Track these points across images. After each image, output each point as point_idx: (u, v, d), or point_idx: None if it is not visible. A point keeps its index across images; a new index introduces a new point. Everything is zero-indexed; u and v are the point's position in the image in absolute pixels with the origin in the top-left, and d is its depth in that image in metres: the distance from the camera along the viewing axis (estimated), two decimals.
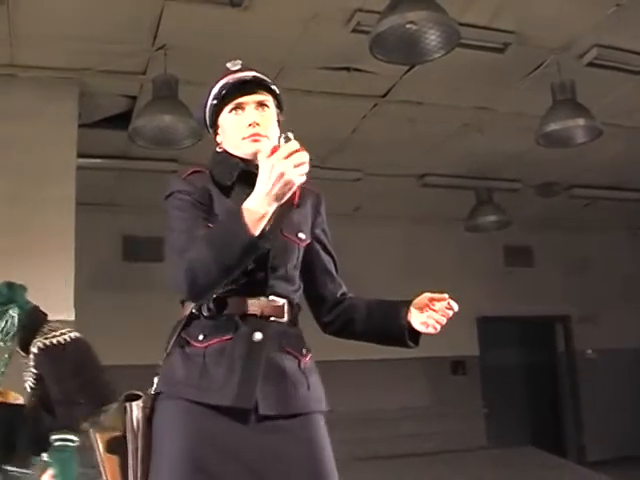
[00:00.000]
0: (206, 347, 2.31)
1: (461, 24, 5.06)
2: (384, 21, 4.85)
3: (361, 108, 7.20)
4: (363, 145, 7.94)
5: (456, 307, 2.41)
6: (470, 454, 9.47)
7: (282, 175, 2.10)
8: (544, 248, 11.80)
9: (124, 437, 2.31)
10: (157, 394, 2.34)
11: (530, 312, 11.32)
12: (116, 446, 2.31)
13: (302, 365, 2.42)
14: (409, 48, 5.14)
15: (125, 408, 2.32)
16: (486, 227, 9.68)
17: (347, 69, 6.35)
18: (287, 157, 2.11)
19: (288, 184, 2.12)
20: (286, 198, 2.17)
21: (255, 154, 2.36)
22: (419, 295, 2.51)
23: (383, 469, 8.08)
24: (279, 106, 2.57)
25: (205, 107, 2.55)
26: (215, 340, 2.31)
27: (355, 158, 8.36)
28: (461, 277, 10.66)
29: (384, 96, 6.91)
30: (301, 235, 2.51)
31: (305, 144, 2.14)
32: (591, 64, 6.22)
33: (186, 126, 6.03)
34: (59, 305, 5.80)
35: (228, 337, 2.31)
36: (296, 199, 2.49)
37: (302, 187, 2.47)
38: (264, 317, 2.36)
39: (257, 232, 2.14)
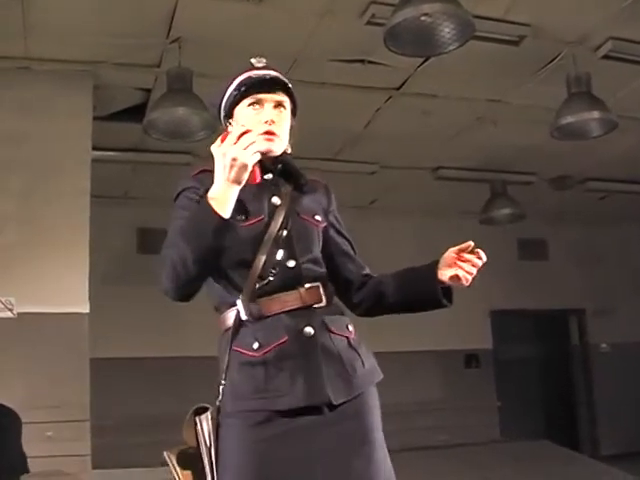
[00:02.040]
0: (264, 355, 2.32)
1: (476, 16, 5.04)
2: (399, 13, 4.84)
3: (375, 101, 7.18)
4: (378, 138, 7.93)
5: (484, 257, 2.44)
6: (483, 447, 9.45)
7: (235, 159, 2.19)
8: (558, 241, 11.77)
9: (197, 451, 2.32)
10: (222, 409, 2.34)
11: (544, 305, 11.30)
12: (189, 461, 2.33)
13: (351, 341, 2.46)
14: (424, 40, 5.13)
15: (195, 422, 2.33)
16: (500, 220, 9.66)
17: (362, 61, 6.33)
18: (236, 142, 2.19)
19: (243, 166, 2.20)
20: (245, 179, 2.24)
21: (267, 151, 2.43)
22: None
23: (396, 462, 8.06)
24: (294, 111, 2.60)
25: (223, 95, 2.57)
26: (271, 346, 2.32)
27: (370, 151, 8.35)
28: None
29: (399, 89, 6.90)
30: (317, 217, 2.56)
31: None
32: (606, 57, 6.19)
33: (200, 119, 6.03)
34: (74, 298, 5.84)
35: (282, 341, 2.33)
36: (305, 187, 2.57)
37: (309, 178, 2.57)
38: (306, 307, 2.40)
39: (225, 214, 2.22)
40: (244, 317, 2.37)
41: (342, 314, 2.53)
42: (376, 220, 10.14)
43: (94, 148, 6.36)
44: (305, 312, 2.39)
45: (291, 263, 2.41)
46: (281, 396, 2.27)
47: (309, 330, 2.36)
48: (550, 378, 11.80)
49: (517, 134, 7.92)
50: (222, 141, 2.24)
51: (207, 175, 2.44)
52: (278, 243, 2.40)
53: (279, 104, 2.51)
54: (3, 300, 5.66)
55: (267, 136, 2.46)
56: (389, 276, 2.66)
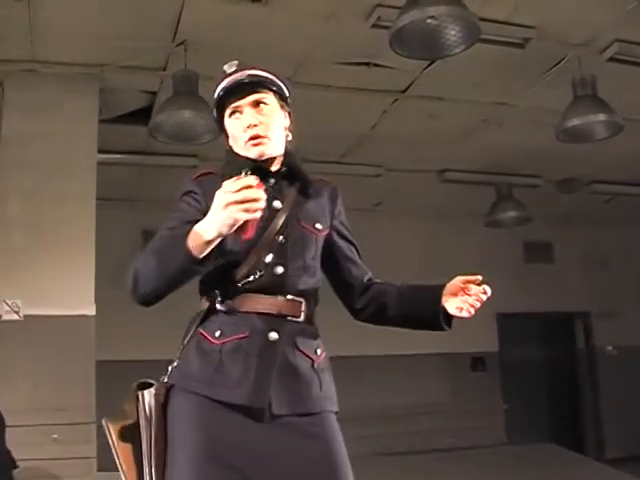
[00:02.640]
0: (223, 344, 2.33)
1: (481, 19, 5.04)
2: (404, 16, 4.84)
3: (381, 103, 7.18)
4: (383, 140, 7.93)
5: (489, 291, 2.42)
6: (489, 450, 9.45)
7: (226, 209, 2.07)
8: (564, 244, 11.75)
9: (137, 425, 2.33)
10: (172, 385, 2.37)
11: (550, 308, 11.28)
12: (129, 434, 2.34)
13: (315, 365, 2.43)
14: (429, 43, 5.13)
15: (138, 396, 2.35)
16: (506, 223, 9.65)
17: (367, 64, 6.33)
18: (237, 191, 2.08)
19: (232, 219, 2.09)
20: (232, 231, 2.12)
21: (260, 156, 2.43)
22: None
23: (402, 465, 8.08)
24: (282, 98, 2.56)
25: (213, 113, 2.59)
26: (231, 337, 2.33)
27: (375, 153, 8.35)
28: (481, 273, 10.60)
29: (404, 91, 6.90)
30: (318, 225, 2.53)
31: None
32: (612, 59, 6.17)
33: (206, 122, 6.03)
34: (80, 301, 5.86)
35: (244, 335, 2.33)
36: (310, 190, 2.54)
37: (317, 179, 2.54)
38: (281, 316, 2.38)
39: (197, 254, 2.15)
40: (212, 307, 2.38)
41: (316, 337, 2.49)
42: (381, 222, 10.14)
43: (100, 151, 6.37)
44: (277, 320, 2.37)
45: (279, 270, 2.39)
46: (226, 388, 2.28)
47: (274, 335, 2.35)
48: (556, 381, 11.78)
49: (523, 137, 7.91)
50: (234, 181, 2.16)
51: (209, 178, 2.45)
52: (271, 248, 2.39)
53: (257, 103, 2.48)
54: (9, 303, 5.67)
55: (254, 141, 2.45)
56: (393, 289, 2.64)
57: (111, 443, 2.36)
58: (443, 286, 2.51)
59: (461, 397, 10.55)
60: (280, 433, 2.29)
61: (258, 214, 2.11)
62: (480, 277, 2.46)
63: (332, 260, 2.61)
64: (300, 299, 2.43)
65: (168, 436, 2.30)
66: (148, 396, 2.33)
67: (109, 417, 2.40)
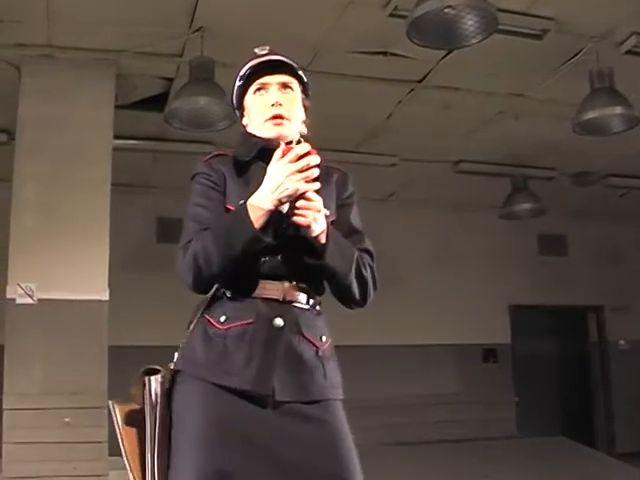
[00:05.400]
0: (227, 330, 2.34)
1: (499, 10, 5.02)
2: (422, 5, 4.82)
3: (397, 93, 7.16)
4: (398, 130, 7.92)
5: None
6: (500, 443, 9.45)
7: (286, 181, 2.18)
8: (578, 237, 11.72)
9: (142, 410, 2.36)
10: (177, 371, 2.39)
11: (563, 301, 11.27)
12: (134, 419, 2.37)
13: (319, 353, 2.43)
14: (446, 33, 5.12)
15: (144, 382, 2.37)
16: (521, 215, 9.64)
17: (384, 53, 6.32)
18: (294, 161, 2.17)
19: (292, 190, 2.20)
20: (290, 200, 2.23)
21: (277, 137, 2.43)
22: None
23: (412, 455, 8.09)
24: (305, 91, 2.58)
25: (232, 89, 2.59)
26: (236, 323, 2.34)
27: (390, 143, 8.34)
28: (494, 265, 10.64)
29: (420, 81, 6.88)
30: (325, 211, 2.48)
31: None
32: (630, 52, 6.14)
33: (221, 108, 6.04)
34: (94, 285, 5.88)
35: (249, 321, 2.34)
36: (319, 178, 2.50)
37: (327, 166, 2.50)
38: (286, 302, 2.38)
39: (259, 226, 2.22)
40: (218, 292, 2.40)
41: (322, 323, 2.49)
42: (395, 213, 10.14)
43: (115, 137, 6.39)
44: (282, 306, 2.37)
45: (284, 255, 2.38)
46: (230, 373, 2.28)
47: (279, 322, 2.34)
48: (568, 374, 11.76)
49: (539, 129, 7.89)
50: (283, 155, 2.24)
51: (219, 159, 2.49)
52: (276, 233, 2.37)
53: (284, 85, 2.50)
54: (23, 286, 5.70)
55: (275, 121, 2.46)
56: None
57: (116, 426, 2.39)
58: None
59: (472, 389, 10.55)
60: (283, 420, 2.29)
61: (317, 185, 2.22)
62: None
63: None
64: (305, 285, 2.42)
65: (173, 421, 2.33)
66: (154, 382, 2.36)
67: (116, 400, 2.41)
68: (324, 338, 2.46)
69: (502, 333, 11.11)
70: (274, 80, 2.49)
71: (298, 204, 2.27)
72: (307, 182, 2.22)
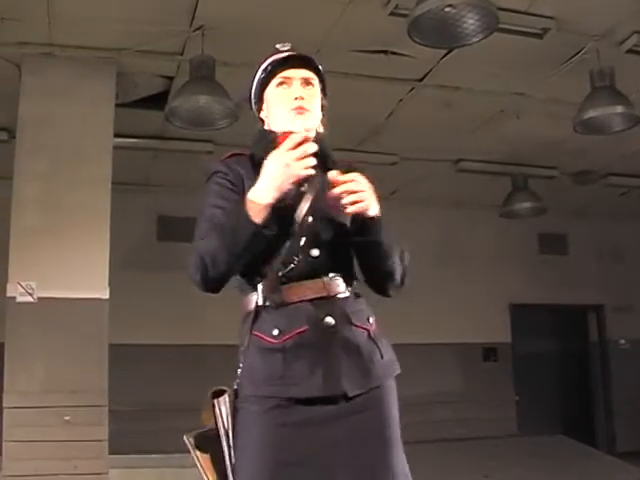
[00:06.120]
0: (283, 342, 2.31)
1: (500, 9, 5.02)
2: (423, 4, 4.83)
3: (398, 92, 7.17)
4: (399, 129, 7.92)
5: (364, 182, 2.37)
6: (500, 441, 9.45)
7: (286, 168, 2.18)
8: (579, 236, 11.72)
9: (216, 434, 2.32)
10: (239, 392, 2.34)
11: (563, 300, 11.27)
12: (207, 443, 2.33)
13: (371, 334, 2.43)
14: (447, 32, 5.12)
15: (213, 405, 2.34)
16: (521, 214, 9.64)
17: (385, 52, 6.32)
18: (293, 149, 2.17)
19: (292, 177, 2.19)
20: (289, 190, 2.22)
21: (301, 127, 2.40)
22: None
23: (413, 454, 8.07)
24: (323, 90, 2.61)
25: (252, 82, 2.59)
26: (291, 334, 2.32)
27: (391, 142, 8.34)
28: (495, 263, 10.64)
29: (421, 80, 6.88)
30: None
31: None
32: (630, 51, 6.14)
33: (222, 107, 6.04)
34: (94, 284, 5.88)
35: (303, 329, 2.32)
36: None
37: (341, 160, 2.53)
38: (329, 297, 2.38)
39: (260, 221, 2.21)
40: (260, 302, 2.37)
41: (365, 306, 2.50)
42: (396, 211, 9.97)
43: (116, 135, 6.39)
44: (327, 302, 2.37)
45: (315, 252, 2.39)
46: (297, 384, 2.26)
47: (330, 320, 2.34)
48: (568, 373, 11.76)
49: (540, 128, 7.89)
50: (281, 142, 2.24)
51: (237, 159, 2.49)
52: (303, 231, 2.37)
53: (307, 81, 2.52)
54: (24, 284, 5.70)
55: (298, 111, 2.47)
56: None
57: (194, 455, 2.35)
58: None
59: (472, 388, 10.55)
60: (355, 417, 2.30)
61: (312, 171, 2.22)
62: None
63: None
64: (340, 274, 2.43)
65: (237, 445, 2.30)
66: (223, 405, 2.33)
67: (187, 433, 2.38)
68: (371, 319, 2.47)
69: (502, 332, 11.11)
70: (297, 75, 2.50)
71: (345, 194, 2.28)
72: (306, 169, 2.21)
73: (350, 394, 2.29)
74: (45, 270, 5.77)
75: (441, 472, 7.57)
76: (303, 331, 2.32)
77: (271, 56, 2.53)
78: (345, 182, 2.30)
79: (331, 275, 2.40)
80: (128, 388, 7.40)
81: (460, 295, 10.27)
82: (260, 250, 2.28)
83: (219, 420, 2.32)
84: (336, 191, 2.29)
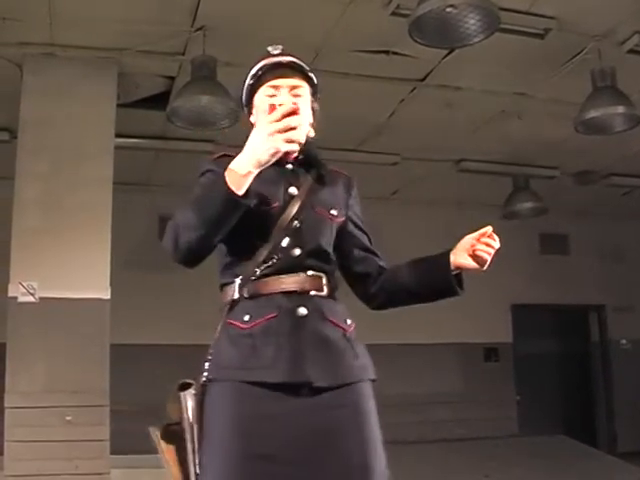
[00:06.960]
0: (252, 327, 2.33)
1: (501, 9, 5.02)
2: (424, 4, 4.83)
3: (399, 92, 7.17)
4: (401, 129, 7.92)
5: (498, 242, 2.54)
6: (501, 442, 9.45)
7: (268, 139, 2.16)
8: (580, 236, 11.71)
9: (180, 426, 2.34)
10: (208, 379, 2.36)
11: (564, 300, 11.27)
12: (172, 435, 2.35)
13: (347, 334, 2.44)
14: (448, 32, 5.12)
15: (179, 398, 2.36)
16: (522, 214, 9.63)
17: (386, 52, 6.32)
18: (277, 120, 2.16)
19: (274, 148, 2.17)
20: (270, 163, 2.20)
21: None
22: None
23: (413, 454, 8.09)
24: (314, 94, 2.60)
25: (243, 86, 2.59)
26: (260, 319, 2.33)
27: (392, 142, 8.33)
28: (496, 264, 10.57)
29: (423, 80, 6.88)
30: (333, 211, 2.54)
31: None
32: (632, 51, 6.14)
33: (224, 107, 6.05)
34: (96, 284, 5.88)
35: (273, 315, 2.33)
36: (326, 178, 2.55)
37: (333, 170, 2.57)
38: (305, 292, 2.39)
39: (238, 190, 2.18)
40: (236, 296, 2.38)
41: (343, 309, 2.50)
42: (397, 211, 10.14)
43: (117, 135, 6.39)
44: (302, 296, 2.38)
45: (296, 252, 2.40)
46: (262, 369, 2.26)
47: (302, 310, 2.35)
48: (569, 374, 11.76)
49: (541, 128, 7.89)
50: (270, 112, 2.25)
51: (226, 160, 2.47)
52: (287, 232, 2.39)
53: (295, 88, 2.50)
54: (25, 284, 5.70)
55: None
56: (402, 266, 2.66)
57: (158, 447, 2.37)
58: (449, 250, 2.58)
59: (473, 388, 10.55)
60: (321, 410, 2.29)
61: (296, 146, 2.21)
62: (490, 227, 2.52)
63: (346, 249, 2.62)
64: (321, 274, 2.44)
65: (204, 431, 2.30)
66: (189, 398, 2.34)
67: (155, 426, 2.40)
68: (349, 321, 2.47)
69: (504, 332, 11.11)
70: (285, 83, 2.49)
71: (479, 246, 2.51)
72: (288, 142, 2.18)
73: (315, 383, 2.28)
74: (46, 270, 5.77)
75: (441, 472, 7.59)
76: (272, 317, 2.33)
77: (261, 60, 2.52)
78: (494, 240, 2.50)
79: (310, 273, 2.42)
80: (129, 388, 7.39)
81: (461, 295, 10.22)
82: (232, 221, 2.26)
83: (184, 413, 2.33)
84: (487, 242, 2.51)
